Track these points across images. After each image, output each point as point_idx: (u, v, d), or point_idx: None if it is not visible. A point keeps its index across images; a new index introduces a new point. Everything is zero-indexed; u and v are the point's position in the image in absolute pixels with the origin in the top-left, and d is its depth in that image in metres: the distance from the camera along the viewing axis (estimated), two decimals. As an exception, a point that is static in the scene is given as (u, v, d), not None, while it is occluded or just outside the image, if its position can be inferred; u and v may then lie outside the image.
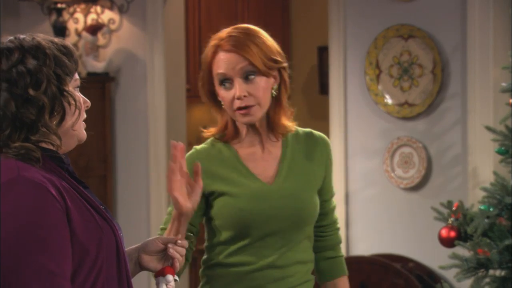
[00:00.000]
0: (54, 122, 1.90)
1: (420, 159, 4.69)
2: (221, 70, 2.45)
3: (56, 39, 1.95)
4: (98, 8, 5.45)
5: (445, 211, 3.99)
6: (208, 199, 2.51)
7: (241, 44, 2.43)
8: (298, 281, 2.53)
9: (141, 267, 2.21)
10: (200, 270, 2.61)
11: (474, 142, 4.50)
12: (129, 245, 2.22)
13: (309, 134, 2.62)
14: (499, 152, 3.88)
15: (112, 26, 5.43)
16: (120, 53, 5.43)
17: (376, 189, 4.86)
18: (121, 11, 5.41)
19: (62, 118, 1.92)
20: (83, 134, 1.99)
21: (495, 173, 3.91)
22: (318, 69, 7.33)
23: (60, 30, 5.30)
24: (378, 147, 4.84)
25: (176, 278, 2.19)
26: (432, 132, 4.70)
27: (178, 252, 2.18)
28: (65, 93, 1.91)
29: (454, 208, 3.96)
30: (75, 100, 1.94)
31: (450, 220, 3.95)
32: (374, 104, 4.83)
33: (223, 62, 2.45)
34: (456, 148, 4.63)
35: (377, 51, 4.79)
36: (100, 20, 5.44)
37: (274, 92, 2.51)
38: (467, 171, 4.56)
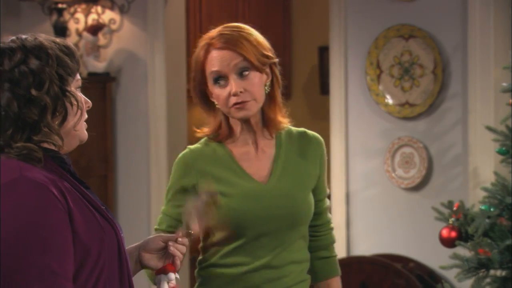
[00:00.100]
0: (56, 123, 1.90)
1: (421, 159, 4.69)
2: (215, 68, 2.45)
3: (58, 39, 1.95)
4: (99, 8, 5.45)
5: (446, 211, 3.99)
6: None
7: (234, 40, 2.44)
8: (293, 281, 2.53)
9: (141, 265, 2.21)
10: (196, 270, 2.61)
11: (475, 142, 4.50)
12: (130, 245, 2.22)
13: (303, 134, 2.62)
14: (499, 152, 3.88)
15: (113, 26, 5.43)
16: (121, 53, 5.43)
17: (377, 189, 4.86)
18: (122, 11, 5.41)
19: (64, 119, 1.92)
20: (85, 134, 1.99)
21: (495, 173, 3.91)
22: (319, 69, 7.33)
23: (61, 30, 5.30)
24: (379, 147, 4.84)
25: (177, 275, 2.19)
26: (433, 132, 4.70)
27: (179, 250, 2.18)
28: (67, 93, 1.91)
29: (455, 208, 3.96)
30: (77, 101, 1.94)
31: (451, 220, 3.95)
32: (375, 104, 4.83)
33: (216, 60, 2.44)
34: (457, 148, 4.63)
35: (377, 51, 4.79)
36: (100, 20, 5.44)
37: (267, 89, 2.50)
38: (467, 171, 4.56)
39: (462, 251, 3.93)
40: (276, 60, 2.52)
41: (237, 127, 2.53)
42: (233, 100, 2.44)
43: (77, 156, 5.05)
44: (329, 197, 5.12)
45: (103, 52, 5.45)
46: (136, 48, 5.40)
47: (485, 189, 3.86)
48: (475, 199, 4.31)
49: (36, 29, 5.36)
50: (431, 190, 4.70)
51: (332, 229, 2.69)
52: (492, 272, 3.79)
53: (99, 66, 5.36)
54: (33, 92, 1.87)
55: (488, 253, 3.71)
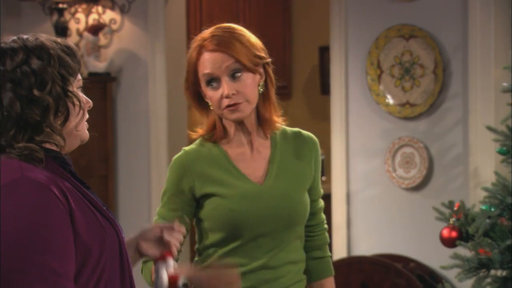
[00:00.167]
0: (58, 123, 1.90)
1: (422, 159, 4.69)
2: (207, 70, 2.45)
3: (59, 39, 1.95)
4: (100, 8, 5.45)
5: (447, 211, 3.99)
6: (199, 201, 2.51)
7: (226, 42, 2.43)
8: (290, 281, 2.53)
9: (140, 254, 2.21)
10: None
11: (476, 142, 4.50)
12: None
13: (298, 134, 2.62)
14: (500, 152, 3.88)
15: (114, 26, 5.43)
16: (122, 53, 5.43)
17: (377, 189, 4.86)
18: (123, 11, 5.41)
19: (66, 119, 1.92)
20: (86, 134, 1.99)
21: (496, 173, 3.91)
22: (319, 69, 7.33)
23: (62, 30, 5.30)
24: (380, 147, 4.84)
25: (175, 263, 2.19)
26: (433, 132, 4.70)
27: (176, 238, 2.19)
28: (69, 93, 1.91)
29: (455, 208, 3.96)
30: (79, 101, 1.94)
31: (452, 220, 3.95)
32: (375, 104, 4.83)
33: (208, 62, 2.44)
34: (458, 148, 4.63)
35: (378, 51, 4.79)
36: (101, 20, 5.44)
37: (261, 89, 2.50)
38: (468, 171, 4.56)
39: (463, 251, 3.93)
40: (269, 60, 2.51)
41: (231, 128, 2.53)
42: (225, 102, 2.44)
43: (78, 156, 5.05)
44: (329, 197, 5.11)
45: (104, 52, 5.45)
46: (136, 48, 5.40)
47: (486, 189, 3.86)
48: (476, 199, 4.31)
49: (36, 29, 5.36)
50: (431, 190, 4.70)
51: (326, 229, 2.69)
52: (492, 272, 3.79)
53: (99, 66, 5.36)
54: (36, 92, 1.87)
55: (488, 253, 3.71)
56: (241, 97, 2.44)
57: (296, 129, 2.63)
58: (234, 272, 2.27)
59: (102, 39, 5.44)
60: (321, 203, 2.67)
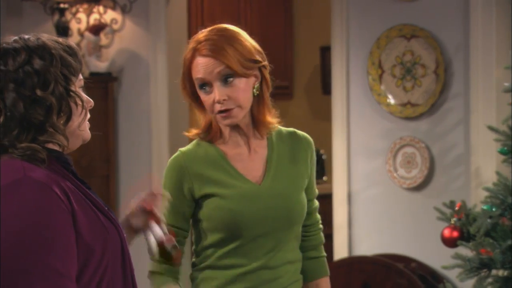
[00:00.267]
0: (61, 123, 1.90)
1: (423, 159, 4.69)
2: (199, 75, 2.45)
3: (60, 39, 1.95)
4: (101, 8, 5.45)
5: (448, 211, 3.99)
6: (198, 201, 2.50)
7: (218, 48, 2.42)
8: (288, 281, 2.53)
9: (132, 231, 2.23)
10: (190, 273, 2.59)
11: (477, 142, 4.50)
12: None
13: (293, 134, 2.62)
14: (501, 152, 3.88)
15: (115, 26, 5.43)
16: (123, 53, 5.43)
17: (378, 189, 4.86)
18: (124, 11, 5.41)
19: (69, 119, 1.92)
20: (88, 134, 1.99)
21: (497, 173, 3.91)
22: (320, 69, 7.33)
23: (63, 30, 5.30)
24: (381, 147, 4.84)
25: (164, 227, 2.19)
26: (434, 132, 4.70)
27: (153, 201, 2.21)
28: (71, 93, 1.92)
29: (456, 208, 3.96)
30: (82, 100, 1.94)
31: (453, 220, 3.95)
32: (376, 104, 4.83)
33: (201, 67, 2.44)
34: (459, 148, 4.63)
35: (379, 51, 4.79)
36: (102, 20, 5.45)
37: (256, 91, 2.49)
38: (469, 171, 4.56)
39: (464, 251, 3.93)
40: (265, 63, 2.50)
41: (226, 129, 2.53)
42: (217, 107, 2.44)
43: (79, 156, 5.05)
44: (330, 196, 5.11)
45: (105, 52, 5.45)
46: (138, 48, 5.40)
47: (487, 189, 3.86)
48: (477, 199, 4.31)
49: (38, 29, 5.36)
50: (433, 190, 4.70)
51: (321, 229, 2.69)
52: (494, 272, 3.79)
53: (101, 66, 5.36)
54: (38, 92, 1.87)
55: (490, 253, 3.71)
56: (232, 103, 2.43)
57: (291, 129, 2.63)
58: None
59: (104, 39, 5.44)
60: (316, 203, 2.67)
